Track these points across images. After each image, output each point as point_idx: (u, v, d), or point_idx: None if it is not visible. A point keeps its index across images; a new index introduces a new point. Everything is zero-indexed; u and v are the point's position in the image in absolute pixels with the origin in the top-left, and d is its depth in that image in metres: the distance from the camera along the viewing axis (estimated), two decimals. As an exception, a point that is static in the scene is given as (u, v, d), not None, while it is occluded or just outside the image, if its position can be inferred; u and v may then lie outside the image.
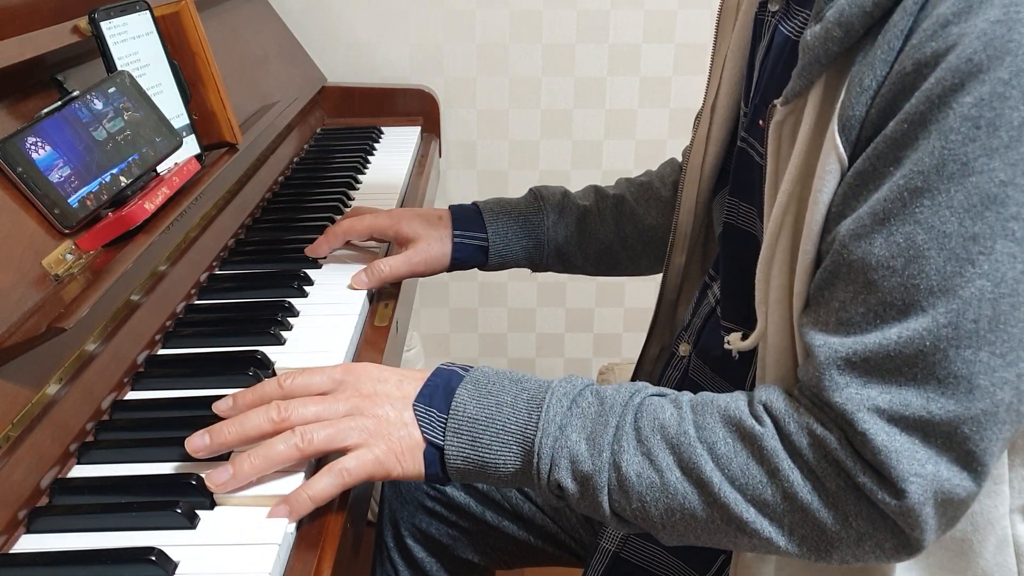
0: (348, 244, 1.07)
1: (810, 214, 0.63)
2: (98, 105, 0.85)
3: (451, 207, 1.06)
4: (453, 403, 0.68)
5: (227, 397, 0.71)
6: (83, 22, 0.89)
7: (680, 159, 1.09)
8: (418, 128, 1.65)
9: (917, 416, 0.57)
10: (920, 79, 0.57)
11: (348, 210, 1.16)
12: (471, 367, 0.72)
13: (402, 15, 1.72)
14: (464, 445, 0.67)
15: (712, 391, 0.70)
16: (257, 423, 0.68)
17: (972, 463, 0.57)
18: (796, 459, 0.61)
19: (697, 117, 0.98)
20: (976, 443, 0.57)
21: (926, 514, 0.58)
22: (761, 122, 0.74)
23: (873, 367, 0.59)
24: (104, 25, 0.90)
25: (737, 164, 0.82)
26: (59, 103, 0.81)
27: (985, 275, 0.56)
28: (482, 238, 1.03)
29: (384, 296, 1.00)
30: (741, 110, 0.84)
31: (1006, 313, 0.56)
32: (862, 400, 0.58)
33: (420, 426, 0.68)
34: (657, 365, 1.00)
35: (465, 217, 1.04)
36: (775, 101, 0.67)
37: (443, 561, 1.10)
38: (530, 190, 1.08)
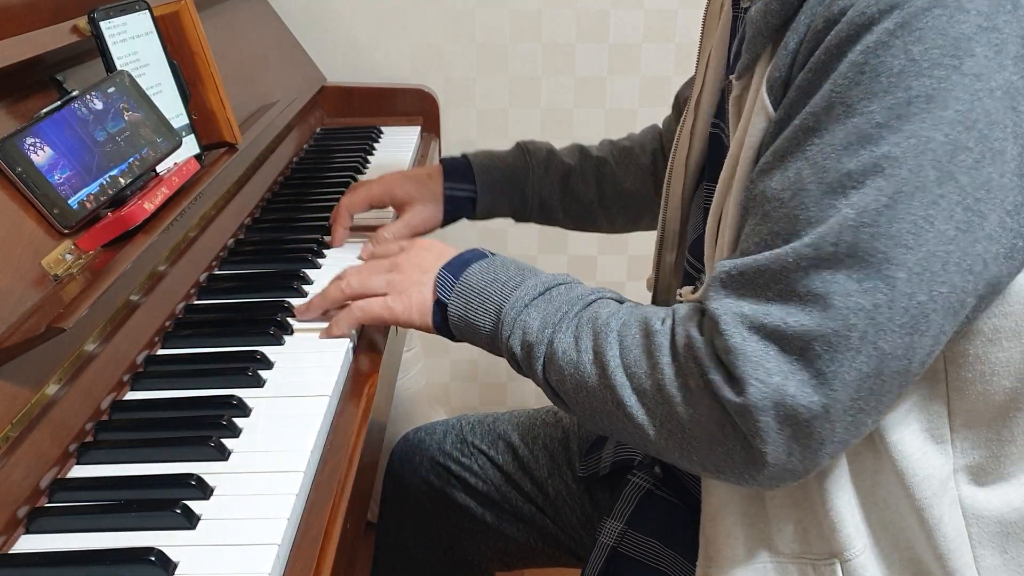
0: (353, 231, 1.11)
1: (739, 167, 0.68)
2: (98, 105, 0.85)
3: (442, 159, 1.13)
4: (465, 272, 0.81)
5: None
6: (82, 22, 0.89)
7: (662, 126, 1.15)
8: (418, 128, 1.65)
9: (774, 326, 0.61)
10: (827, 33, 0.61)
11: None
12: (497, 254, 0.84)
13: (402, 15, 1.72)
14: (460, 305, 0.80)
15: None
16: (332, 292, 0.88)
17: (820, 382, 0.60)
18: (673, 356, 0.67)
19: (677, 97, 1.06)
20: (826, 363, 0.60)
21: (766, 423, 0.61)
22: (726, 106, 0.78)
23: (746, 281, 0.63)
24: (104, 25, 0.90)
25: (710, 149, 0.85)
26: (59, 103, 0.81)
27: (851, 205, 0.59)
28: (471, 189, 1.11)
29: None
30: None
31: (865, 242, 0.59)
32: (731, 306, 0.64)
33: (436, 288, 0.82)
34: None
35: (455, 169, 1.11)
36: (731, 77, 0.72)
37: (443, 562, 1.10)
38: (517, 144, 1.14)
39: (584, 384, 0.72)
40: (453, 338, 0.82)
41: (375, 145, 1.53)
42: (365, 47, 1.74)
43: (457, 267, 0.82)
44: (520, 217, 1.15)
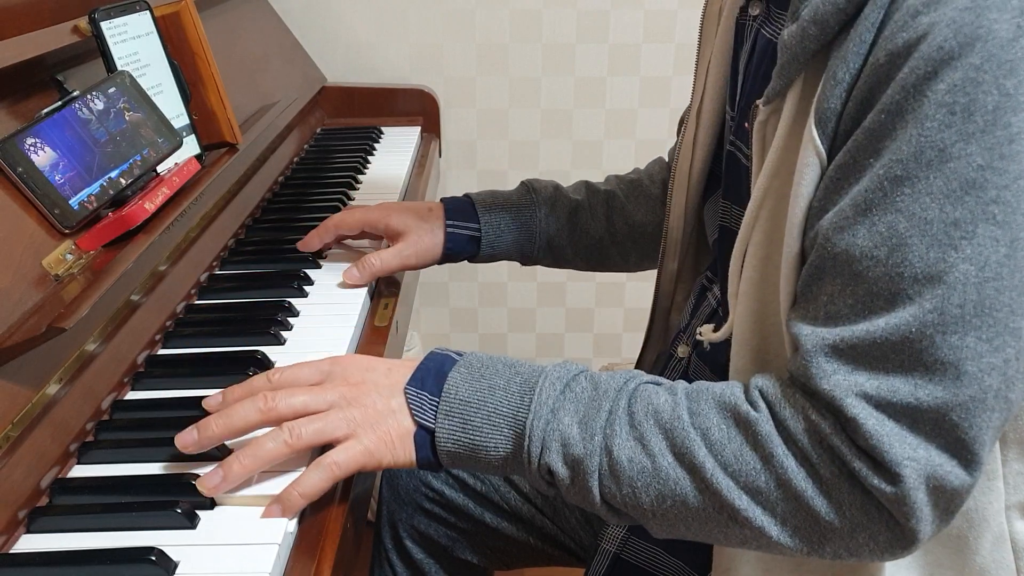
0: (343, 244, 1.08)
1: (791, 208, 0.63)
2: (98, 105, 0.85)
3: (443, 199, 1.06)
4: (445, 386, 0.68)
5: (217, 393, 0.71)
6: (83, 22, 0.89)
7: (668, 158, 1.10)
8: (418, 128, 1.65)
9: (905, 403, 0.57)
10: (894, 69, 0.57)
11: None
12: (465, 352, 0.71)
13: (402, 15, 1.72)
14: (455, 428, 0.67)
15: None
16: (244, 414, 0.67)
17: (963, 451, 0.57)
18: (791, 445, 0.60)
19: (682, 121, 0.98)
20: (965, 431, 0.56)
21: (920, 501, 0.57)
22: (747, 124, 0.75)
23: (860, 354, 0.58)
24: (104, 25, 0.90)
25: (727, 168, 0.83)
26: (59, 103, 0.81)
27: (968, 259, 0.55)
28: (474, 228, 1.03)
29: (384, 296, 1.01)
30: (727, 114, 0.84)
31: (991, 297, 0.56)
32: (850, 386, 0.58)
33: (411, 410, 0.68)
34: (655, 368, 1.00)
35: (458, 208, 1.04)
36: (757, 101, 0.68)
37: (442, 562, 1.10)
38: (522, 183, 1.09)
39: (670, 493, 0.63)
40: (440, 469, 0.70)
41: (375, 145, 1.53)
42: (365, 47, 1.74)
43: (430, 381, 0.69)
44: (527, 258, 1.08)
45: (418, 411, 0.68)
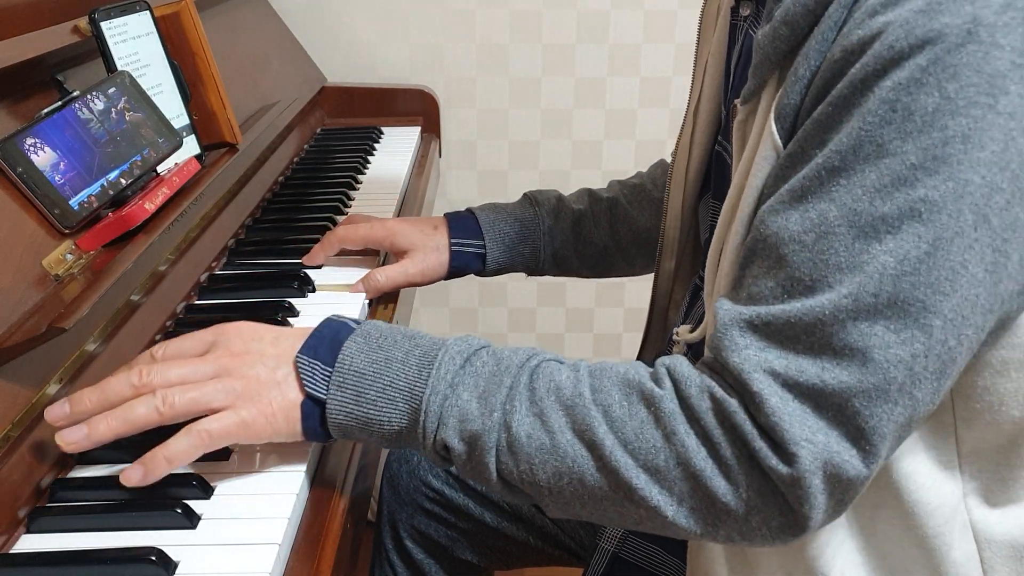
0: (344, 251, 1.08)
1: (743, 198, 0.64)
2: (99, 105, 0.85)
3: (447, 214, 1.06)
4: (340, 355, 0.66)
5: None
6: (83, 22, 0.89)
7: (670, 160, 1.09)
8: (418, 128, 1.65)
9: (810, 384, 0.57)
10: (848, 65, 0.58)
11: (344, 217, 1.16)
12: (363, 320, 0.69)
13: (402, 15, 1.72)
14: (348, 400, 0.65)
15: None
16: (118, 388, 0.65)
17: (861, 440, 0.57)
18: (693, 423, 0.60)
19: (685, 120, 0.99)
20: (866, 419, 0.57)
21: (815, 487, 0.57)
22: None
23: (773, 332, 0.59)
24: (104, 25, 0.90)
25: (715, 167, 0.84)
26: (59, 103, 0.81)
27: (889, 252, 0.56)
28: (479, 245, 1.04)
29: (384, 297, 1.01)
30: (723, 114, 0.85)
31: (905, 291, 0.56)
32: (759, 362, 0.59)
33: (301, 379, 0.66)
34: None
35: (462, 224, 1.04)
36: (736, 101, 0.69)
37: (442, 562, 1.10)
38: (524, 195, 1.09)
39: (567, 470, 0.62)
40: (327, 439, 0.68)
41: (375, 145, 1.53)
42: (365, 47, 1.74)
43: (323, 349, 0.66)
44: (533, 270, 1.08)
45: (309, 381, 0.66)
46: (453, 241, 1.03)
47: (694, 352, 0.83)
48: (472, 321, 1.95)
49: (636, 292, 1.93)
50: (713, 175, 0.84)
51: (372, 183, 1.36)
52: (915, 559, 0.68)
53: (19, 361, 0.68)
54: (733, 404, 0.59)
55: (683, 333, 0.75)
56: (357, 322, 0.69)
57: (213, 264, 1.03)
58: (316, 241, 1.08)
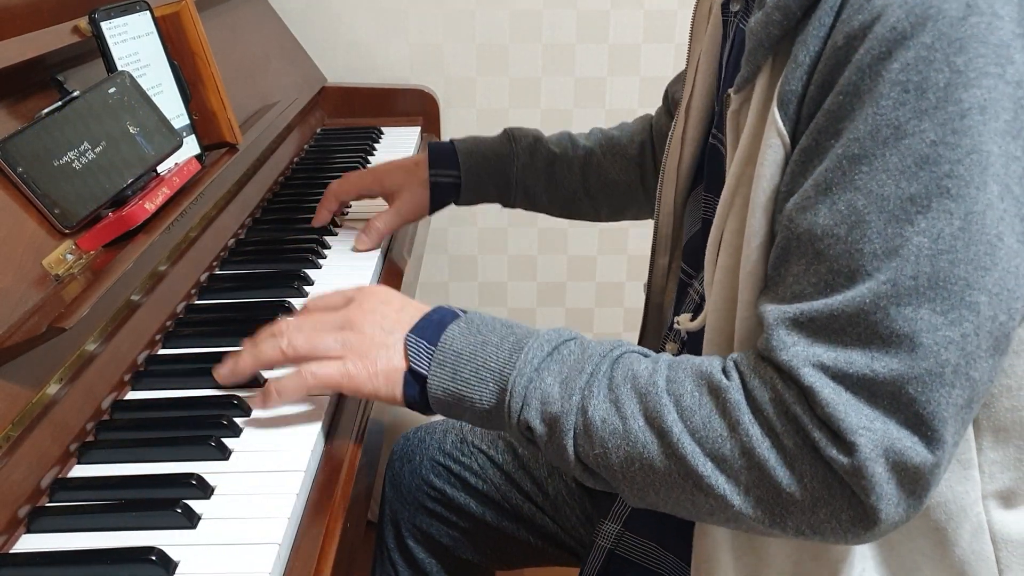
0: (341, 253, 1.09)
1: (754, 190, 0.64)
2: (99, 105, 0.85)
3: (429, 143, 1.14)
4: (443, 337, 0.70)
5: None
6: (83, 22, 0.89)
7: (655, 119, 1.14)
8: (418, 128, 1.65)
9: (861, 374, 0.57)
10: (852, 51, 0.58)
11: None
12: (470, 311, 0.73)
13: (402, 15, 1.72)
14: (446, 377, 0.69)
15: None
16: (268, 350, 0.73)
17: (921, 426, 0.57)
18: (757, 414, 0.61)
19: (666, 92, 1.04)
20: (923, 405, 0.56)
21: (879, 476, 0.57)
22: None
23: (819, 327, 0.59)
24: (104, 25, 0.90)
25: (709, 159, 0.84)
26: (59, 103, 0.81)
27: (922, 232, 0.56)
28: (455, 175, 1.11)
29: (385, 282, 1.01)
30: (715, 108, 0.85)
31: (945, 270, 0.56)
32: (807, 357, 0.59)
33: (409, 355, 0.70)
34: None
35: (440, 154, 1.12)
36: (729, 90, 0.69)
37: (443, 561, 1.10)
38: (504, 130, 1.15)
39: (638, 456, 0.63)
40: (427, 412, 0.72)
41: (375, 146, 1.53)
42: (365, 47, 1.74)
43: (430, 331, 0.71)
44: (506, 202, 1.15)
45: (414, 357, 0.70)
46: (431, 172, 1.10)
47: (693, 341, 0.83)
48: (472, 321, 1.95)
49: (636, 292, 1.93)
50: (706, 169, 0.85)
51: (372, 183, 1.36)
52: (924, 552, 0.68)
53: (19, 361, 0.68)
54: (790, 396, 0.59)
55: (684, 322, 0.76)
56: (464, 311, 0.74)
57: (213, 264, 1.03)
58: (317, 241, 1.09)
